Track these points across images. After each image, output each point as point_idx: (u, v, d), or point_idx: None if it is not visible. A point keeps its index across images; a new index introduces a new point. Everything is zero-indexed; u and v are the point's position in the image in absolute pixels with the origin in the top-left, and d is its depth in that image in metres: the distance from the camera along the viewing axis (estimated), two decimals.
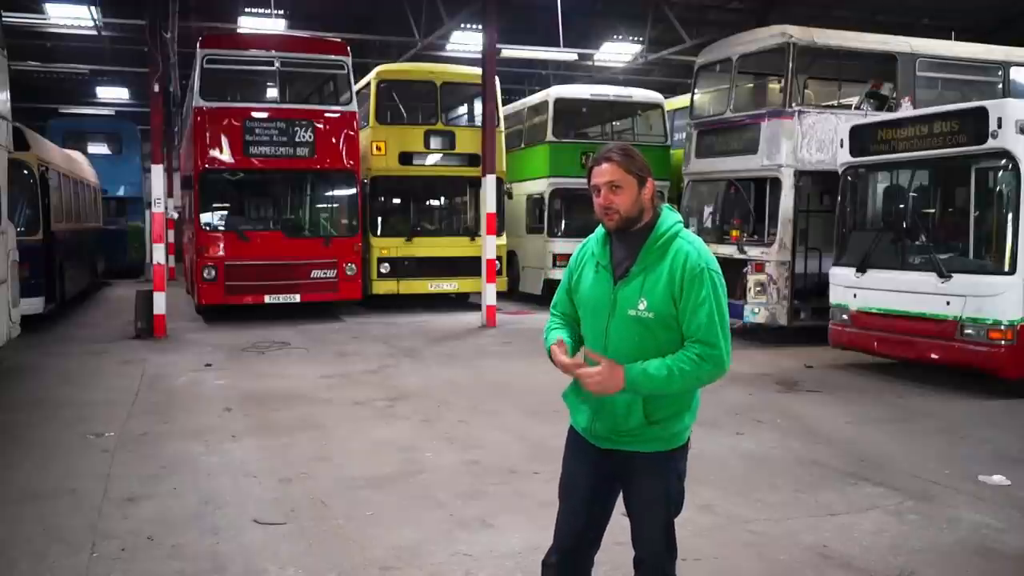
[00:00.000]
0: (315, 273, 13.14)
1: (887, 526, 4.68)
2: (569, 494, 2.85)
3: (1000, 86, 11.80)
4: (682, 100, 15.68)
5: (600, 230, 2.78)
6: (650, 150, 15.97)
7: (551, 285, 14.08)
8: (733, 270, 11.27)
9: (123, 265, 21.29)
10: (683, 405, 2.71)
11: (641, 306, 2.60)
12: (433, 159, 14.92)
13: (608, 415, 2.69)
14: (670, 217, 2.70)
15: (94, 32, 17.71)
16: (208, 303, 13.00)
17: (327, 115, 13.58)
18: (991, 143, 7.81)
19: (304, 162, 13.28)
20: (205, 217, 13.06)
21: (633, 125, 17.32)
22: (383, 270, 14.35)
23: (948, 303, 8.05)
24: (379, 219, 14.64)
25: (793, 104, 10.98)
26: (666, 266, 2.60)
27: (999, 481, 5.44)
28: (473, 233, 14.64)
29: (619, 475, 2.78)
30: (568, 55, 19.96)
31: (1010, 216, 7.76)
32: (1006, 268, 7.76)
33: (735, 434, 6.64)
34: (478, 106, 15.30)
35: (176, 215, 17.85)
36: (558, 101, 15.73)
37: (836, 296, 9.44)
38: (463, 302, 15.57)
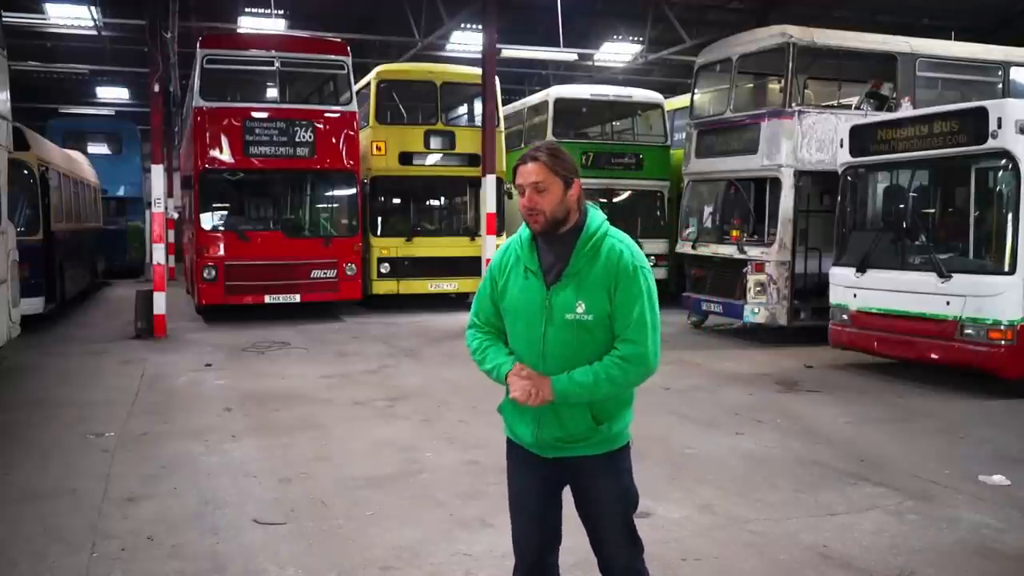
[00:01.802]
0: (315, 273, 13.14)
1: (887, 526, 4.68)
2: (521, 510, 2.81)
3: (1000, 86, 11.79)
4: (682, 100, 15.68)
5: (524, 232, 2.71)
6: (650, 150, 16.05)
7: None
8: (733, 270, 11.30)
9: (123, 265, 21.28)
10: (624, 401, 2.70)
11: (579, 309, 2.55)
12: (433, 159, 14.92)
13: (554, 423, 2.64)
14: (597, 217, 2.66)
15: (94, 32, 17.72)
16: (208, 303, 12.99)
17: (327, 115, 13.58)
18: (991, 143, 7.81)
19: (304, 162, 13.28)
20: (205, 217, 13.06)
21: (633, 125, 17.33)
22: (383, 270, 14.35)
23: (948, 303, 8.05)
24: (379, 219, 14.63)
25: (793, 104, 10.98)
26: (600, 266, 2.56)
27: (999, 481, 5.44)
28: (473, 233, 14.63)
29: (570, 482, 2.75)
30: (568, 55, 19.96)
31: (1010, 216, 7.76)
32: (1006, 268, 7.75)
33: (735, 434, 6.64)
34: (478, 106, 15.29)
35: (176, 215, 17.85)
36: (558, 101, 15.73)
37: (836, 296, 9.44)
38: (463, 302, 15.54)
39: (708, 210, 12.67)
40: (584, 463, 2.69)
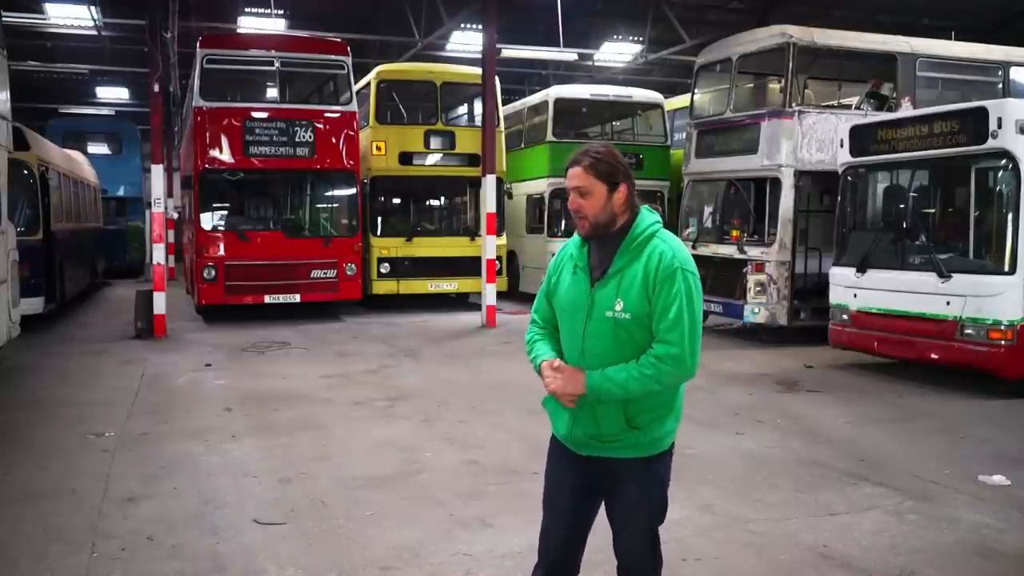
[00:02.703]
0: (315, 273, 13.14)
1: (887, 526, 4.68)
2: (553, 504, 2.82)
3: (1000, 86, 11.79)
4: (682, 100, 15.68)
5: (577, 234, 2.76)
6: (650, 150, 16.05)
7: None
8: (733, 270, 11.29)
9: (123, 265, 21.30)
10: (664, 409, 2.66)
11: (618, 307, 2.56)
12: (433, 159, 14.92)
13: (588, 419, 2.65)
14: (648, 218, 2.66)
15: (94, 32, 17.72)
16: (208, 303, 12.99)
17: (327, 115, 13.58)
18: (991, 143, 7.81)
19: (304, 162, 13.28)
20: (205, 217, 13.06)
21: (633, 125, 17.33)
22: (383, 270, 14.35)
23: (948, 303, 8.05)
24: (379, 219, 14.64)
25: (793, 104, 10.98)
26: (642, 265, 2.57)
27: (999, 481, 5.44)
28: (473, 233, 14.64)
29: (601, 482, 2.74)
30: (568, 55, 19.96)
31: (1010, 216, 7.76)
32: (1006, 268, 7.75)
33: (735, 434, 6.64)
34: (478, 106, 15.30)
35: (176, 215, 17.85)
36: (558, 101, 15.73)
37: (836, 296, 9.44)
38: (463, 302, 15.57)
39: (708, 210, 12.66)
40: (616, 465, 2.68)
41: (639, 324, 2.57)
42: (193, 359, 9.93)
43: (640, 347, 2.57)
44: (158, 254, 12.12)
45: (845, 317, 9.25)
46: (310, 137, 13.20)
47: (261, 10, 18.34)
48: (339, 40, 14.82)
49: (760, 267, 10.89)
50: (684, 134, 13.61)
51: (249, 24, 18.15)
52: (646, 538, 2.73)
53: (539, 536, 2.85)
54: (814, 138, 10.84)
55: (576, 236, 2.76)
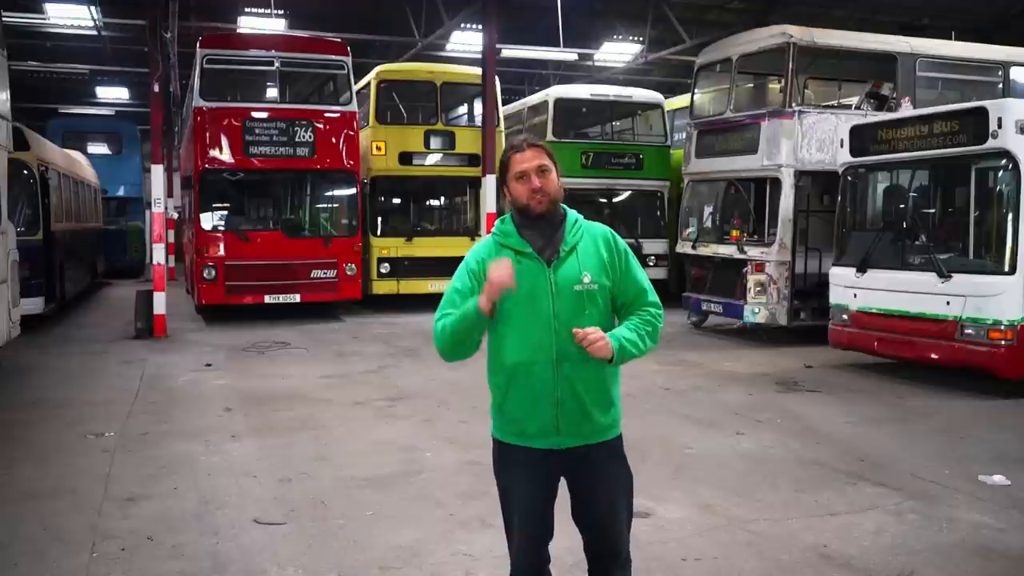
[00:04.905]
0: (315, 273, 13.15)
1: (887, 526, 4.68)
2: (524, 510, 2.83)
3: (1000, 86, 11.79)
4: (682, 100, 15.68)
5: (503, 226, 2.82)
6: (650, 150, 16.05)
7: None
8: (733, 270, 11.30)
9: (123, 265, 21.30)
10: (619, 384, 2.83)
11: (586, 279, 2.70)
12: (433, 159, 14.92)
13: (576, 398, 2.69)
14: (569, 208, 2.84)
15: (94, 32, 17.73)
16: (208, 303, 13.00)
17: (327, 115, 13.57)
18: (991, 143, 7.81)
19: (304, 162, 13.28)
20: (205, 217, 13.06)
21: (633, 125, 17.33)
22: (383, 270, 14.36)
23: (948, 303, 8.05)
24: (379, 219, 14.65)
25: (793, 104, 10.97)
26: (591, 243, 2.75)
27: (999, 481, 5.44)
28: (473, 233, 14.65)
29: (575, 473, 2.79)
30: (568, 55, 19.97)
31: (1010, 216, 7.76)
32: (1006, 268, 7.75)
33: (735, 434, 6.64)
34: (478, 106, 15.31)
35: (176, 215, 17.85)
36: (558, 101, 15.73)
37: (836, 296, 9.44)
38: None
39: (708, 210, 12.67)
40: (590, 452, 2.75)
41: (603, 294, 2.73)
42: (193, 359, 9.93)
43: (602, 315, 2.72)
44: (158, 254, 12.12)
45: (845, 317, 9.25)
46: (310, 137, 13.20)
47: (261, 10, 18.31)
48: (339, 40, 14.81)
49: (760, 267, 10.89)
50: (684, 134, 13.61)
51: (249, 24, 18.13)
52: (628, 514, 2.84)
53: (515, 547, 2.85)
54: (814, 138, 10.84)
55: (499, 231, 2.84)
